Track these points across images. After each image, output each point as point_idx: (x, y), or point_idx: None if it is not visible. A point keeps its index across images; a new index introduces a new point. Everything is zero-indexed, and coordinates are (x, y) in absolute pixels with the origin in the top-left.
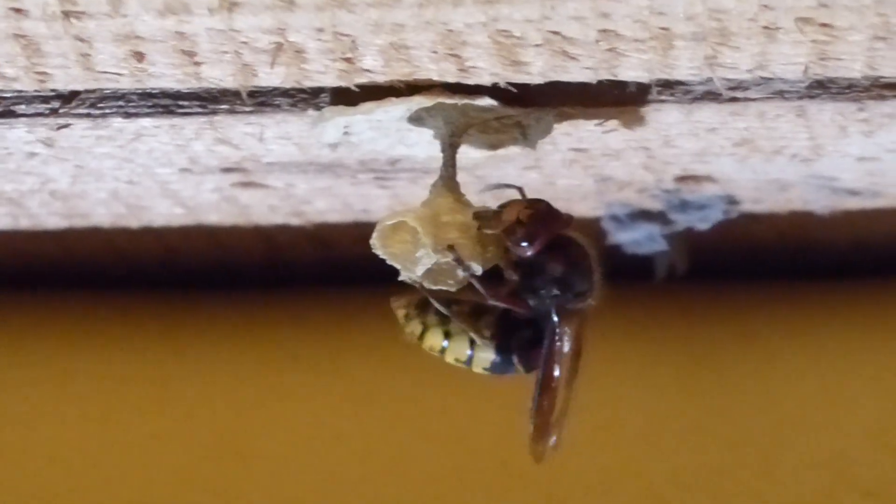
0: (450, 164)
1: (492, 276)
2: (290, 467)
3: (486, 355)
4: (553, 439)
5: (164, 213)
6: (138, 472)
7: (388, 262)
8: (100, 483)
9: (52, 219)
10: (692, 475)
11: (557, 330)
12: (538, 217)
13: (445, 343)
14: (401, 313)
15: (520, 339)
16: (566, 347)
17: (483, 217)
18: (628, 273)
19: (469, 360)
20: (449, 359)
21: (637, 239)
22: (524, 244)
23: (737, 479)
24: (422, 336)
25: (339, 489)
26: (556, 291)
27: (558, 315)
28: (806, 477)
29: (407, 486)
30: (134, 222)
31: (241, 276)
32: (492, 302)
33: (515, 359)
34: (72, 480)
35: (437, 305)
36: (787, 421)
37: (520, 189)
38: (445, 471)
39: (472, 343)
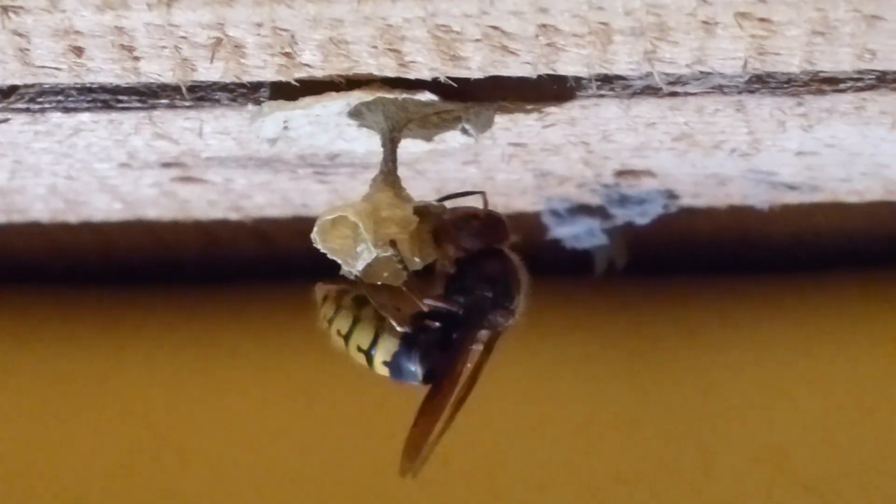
0: (390, 159)
1: (423, 275)
2: (228, 462)
3: (390, 345)
4: (422, 458)
5: (102, 208)
6: (75, 468)
7: (329, 256)
8: (35, 480)
9: None
10: (632, 470)
11: (468, 340)
12: (488, 223)
13: (351, 330)
14: (319, 295)
15: (428, 339)
16: (472, 359)
17: (427, 213)
18: (568, 268)
19: (372, 348)
20: (352, 346)
21: (577, 233)
22: (467, 245)
23: (677, 474)
24: (332, 320)
25: (277, 485)
26: (480, 300)
27: (474, 326)
28: (746, 470)
29: (345, 482)
30: (73, 217)
31: (181, 270)
32: (420, 299)
33: (417, 357)
34: (8, 476)
35: (367, 294)
36: (726, 415)
37: (482, 194)
38: (384, 466)
39: (378, 334)
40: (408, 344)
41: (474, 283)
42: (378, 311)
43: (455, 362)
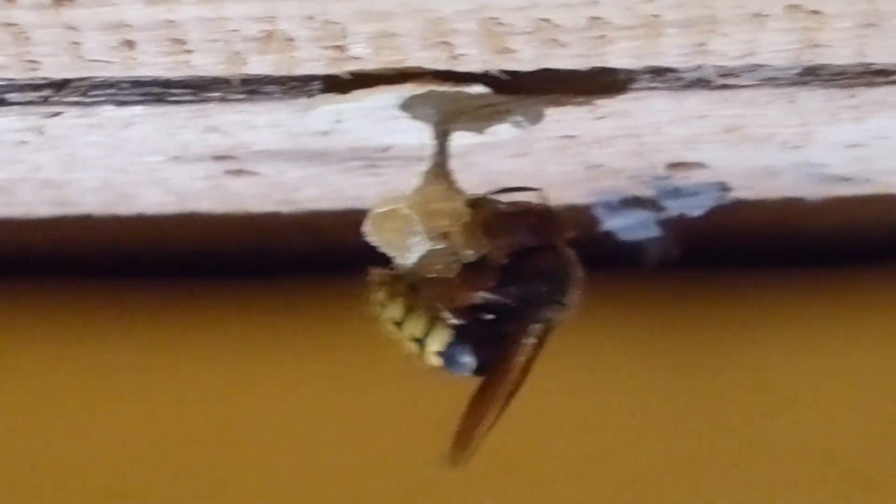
0: (441, 152)
1: (476, 267)
2: (280, 455)
3: (444, 336)
4: (471, 449)
5: (154, 201)
6: (128, 461)
7: (381, 249)
8: (90, 472)
9: (42, 207)
10: (681, 462)
11: (521, 333)
12: (545, 218)
13: (405, 318)
14: (374, 280)
15: (482, 330)
16: (524, 353)
17: (479, 205)
18: (619, 260)
19: (425, 337)
20: (405, 335)
21: (629, 226)
22: (522, 240)
23: (726, 466)
24: (385, 306)
25: (329, 476)
26: (533, 294)
27: (527, 319)
28: (794, 464)
29: (396, 474)
30: (124, 210)
31: (232, 263)
32: (474, 291)
33: (470, 349)
34: (62, 469)
35: (420, 285)
36: (777, 407)
37: (539, 190)
38: (432, 457)
39: (432, 323)
40: (461, 335)
41: (529, 276)
42: (432, 301)
43: (508, 355)
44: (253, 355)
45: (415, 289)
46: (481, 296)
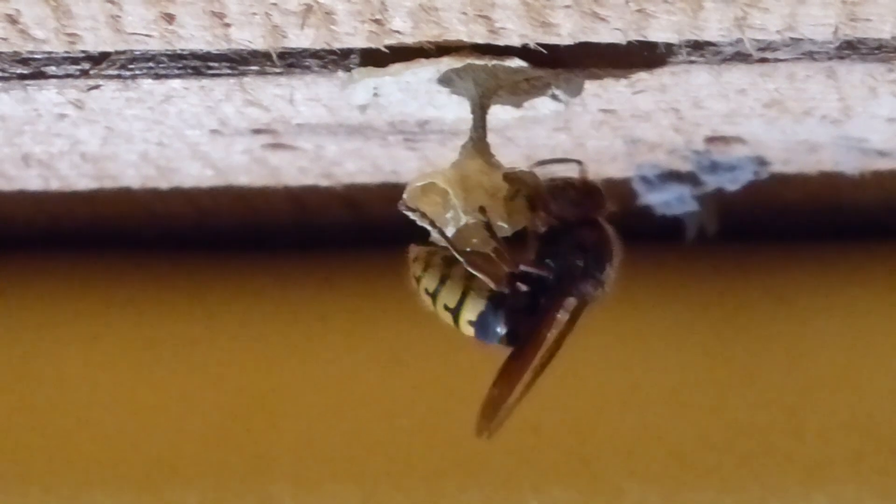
0: (479, 126)
1: (513, 241)
2: (319, 428)
3: (477, 304)
4: (498, 420)
5: (194, 174)
6: (169, 433)
7: (418, 223)
8: (131, 443)
9: (82, 180)
10: (721, 436)
11: (555, 306)
12: (586, 193)
13: (439, 287)
14: (412, 255)
15: (516, 301)
16: (556, 327)
17: (517, 179)
18: (658, 234)
19: (458, 306)
20: (439, 304)
21: (667, 200)
22: (563, 213)
23: (766, 440)
24: (420, 277)
25: (368, 449)
26: (571, 268)
27: (562, 293)
28: (835, 437)
29: (435, 447)
30: (164, 184)
31: (271, 237)
32: (512, 265)
33: (503, 319)
34: (103, 441)
35: (454, 252)
36: (816, 381)
37: (579, 163)
38: (473, 431)
39: (467, 292)
40: (495, 304)
41: (567, 250)
42: (467, 272)
43: (540, 327)
44: (292, 328)
45: (450, 260)
46: (517, 267)
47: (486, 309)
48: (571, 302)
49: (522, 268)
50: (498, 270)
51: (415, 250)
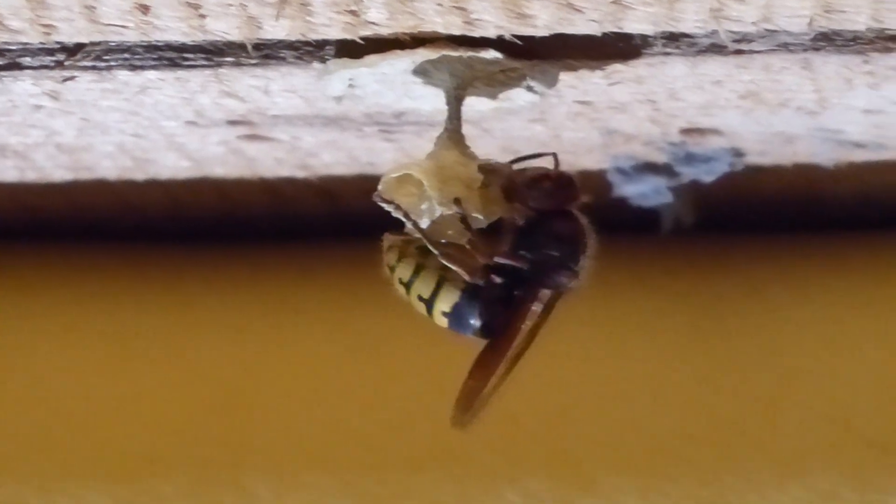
0: (455, 117)
1: (488, 232)
2: (296, 419)
3: (451, 296)
4: (474, 410)
5: (170, 165)
6: (145, 425)
7: (394, 214)
8: (107, 435)
9: (58, 171)
10: (697, 427)
11: (530, 297)
12: (560, 184)
13: (413, 278)
14: (386, 243)
15: (490, 293)
16: (531, 318)
17: (492, 171)
18: (634, 226)
19: (433, 297)
20: (414, 295)
21: (643, 191)
22: (537, 205)
23: (742, 431)
24: (394, 267)
25: (345, 440)
26: (545, 259)
27: (537, 284)
28: (811, 428)
29: (412, 438)
30: (140, 175)
31: (247, 228)
32: (487, 256)
33: (477, 310)
34: (79, 433)
35: (428, 244)
36: (792, 372)
37: (553, 155)
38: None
39: (441, 283)
40: (469, 296)
41: (541, 241)
42: (441, 262)
43: (515, 318)
44: (268, 319)
45: (424, 251)
46: (492, 259)
47: (461, 300)
48: (546, 293)
49: (497, 259)
50: (473, 262)
51: (389, 239)
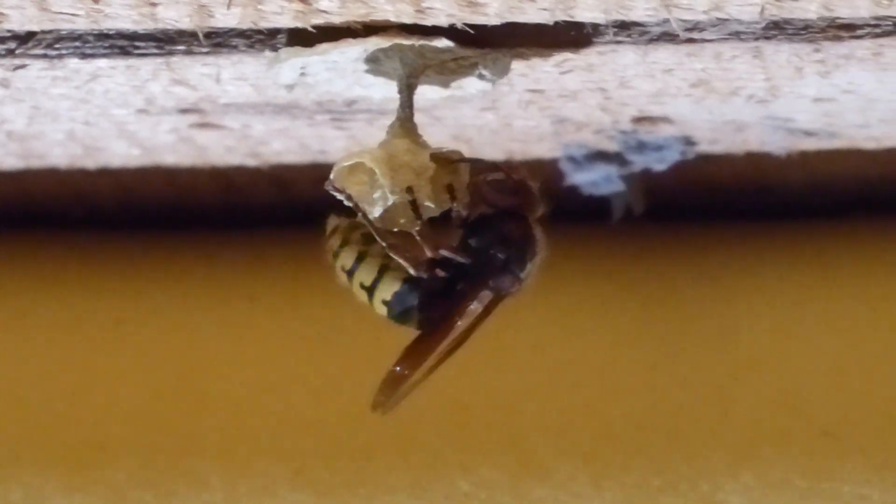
0: (407, 106)
1: (438, 224)
2: (247, 407)
3: (392, 285)
4: (396, 398)
5: (120, 153)
6: (96, 413)
7: (345, 202)
8: (58, 422)
9: (8, 159)
10: (649, 415)
11: (470, 295)
12: (524, 187)
13: (356, 265)
14: (330, 226)
15: (432, 285)
16: (468, 316)
17: (444, 159)
18: (585, 214)
19: (374, 286)
20: (356, 282)
21: (594, 180)
22: (495, 202)
23: (694, 419)
24: (337, 253)
25: (296, 428)
26: (492, 260)
27: (479, 283)
28: (763, 416)
29: (363, 427)
30: (91, 163)
31: (198, 216)
32: (434, 249)
33: (417, 301)
34: (30, 420)
35: (375, 235)
36: (743, 360)
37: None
38: (404, 411)
39: (383, 271)
40: (410, 286)
41: (491, 241)
42: (385, 250)
43: (453, 313)
44: (219, 307)
45: (369, 238)
46: (439, 252)
47: (402, 290)
48: (487, 294)
49: (443, 252)
50: (418, 254)
51: (333, 221)
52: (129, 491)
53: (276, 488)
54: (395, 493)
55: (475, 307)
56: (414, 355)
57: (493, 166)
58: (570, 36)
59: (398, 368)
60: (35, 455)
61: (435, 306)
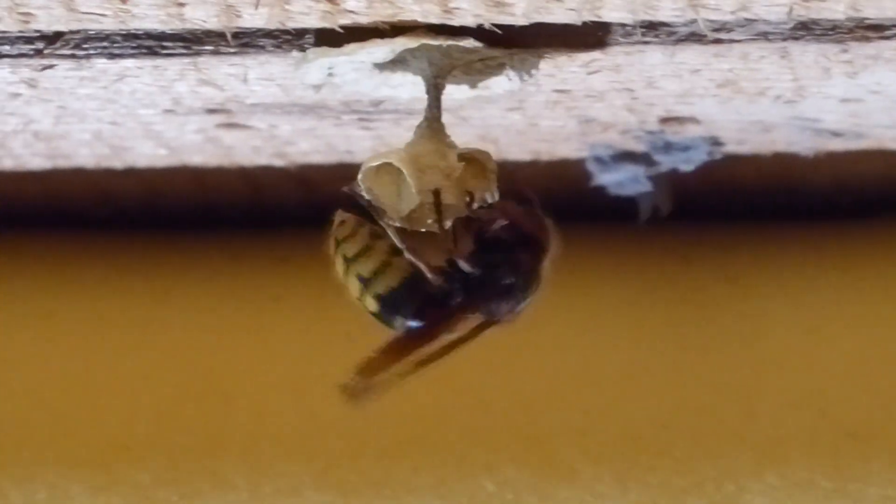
0: (434, 106)
1: (459, 232)
2: (273, 408)
3: (390, 281)
4: (371, 389)
5: (147, 154)
6: (121, 413)
7: (373, 202)
8: (84, 422)
9: (35, 159)
10: (675, 416)
11: (465, 310)
12: (538, 217)
13: (358, 257)
14: (339, 218)
15: (430, 291)
16: (456, 332)
17: (472, 160)
18: (612, 214)
19: (371, 279)
20: (352, 272)
21: (621, 180)
22: (516, 217)
23: (719, 420)
24: (341, 242)
25: (321, 429)
26: (496, 280)
27: (477, 302)
28: (787, 417)
29: (388, 427)
30: (117, 163)
31: (225, 216)
32: (450, 254)
33: (411, 303)
34: (57, 420)
35: (396, 238)
36: (769, 361)
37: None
38: (426, 410)
39: (384, 267)
40: (408, 286)
41: (502, 263)
42: (390, 248)
43: (441, 324)
44: (245, 307)
45: (375, 235)
46: (454, 257)
47: (399, 288)
48: (479, 315)
49: (458, 260)
50: (434, 259)
51: (342, 215)
52: (153, 491)
53: (302, 488)
54: (420, 494)
55: (462, 326)
56: (393, 352)
57: (526, 198)
58: (597, 36)
59: (375, 358)
60: (60, 455)
61: (426, 313)
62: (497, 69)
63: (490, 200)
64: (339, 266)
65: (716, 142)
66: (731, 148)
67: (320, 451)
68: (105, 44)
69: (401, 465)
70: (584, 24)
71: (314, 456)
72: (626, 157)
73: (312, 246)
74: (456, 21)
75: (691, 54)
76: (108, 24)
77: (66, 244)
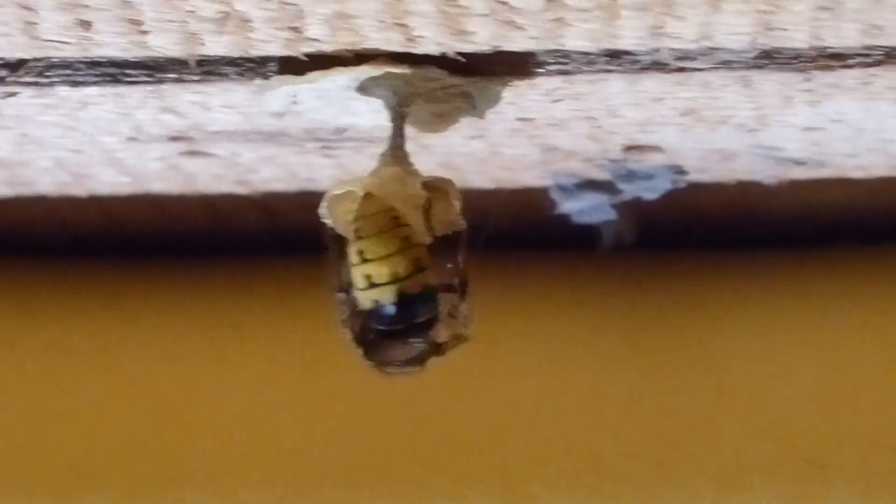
0: (398, 134)
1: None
2: (233, 435)
3: (399, 266)
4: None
5: (108, 181)
6: (80, 441)
7: (336, 231)
8: (42, 450)
9: None
10: (636, 444)
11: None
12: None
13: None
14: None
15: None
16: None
17: (436, 188)
18: (575, 243)
19: (377, 258)
20: (363, 268)
21: (584, 208)
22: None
23: (680, 448)
24: (365, 235)
25: (281, 457)
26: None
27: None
28: (749, 444)
29: (347, 455)
30: (78, 191)
31: (186, 244)
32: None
33: (406, 311)
34: (13, 448)
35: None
36: (730, 390)
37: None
38: (390, 440)
39: (395, 255)
40: (401, 303)
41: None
42: (405, 241)
43: (395, 344)
44: (205, 335)
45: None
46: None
47: (394, 301)
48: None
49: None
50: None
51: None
52: None
53: None
54: None
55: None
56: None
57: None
58: (559, 64)
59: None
60: (17, 483)
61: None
62: (460, 97)
63: (455, 228)
64: (355, 256)
65: (679, 170)
66: (695, 176)
67: (281, 480)
68: (68, 71)
69: (361, 493)
70: (547, 52)
71: (274, 484)
72: (590, 185)
73: (274, 273)
74: (419, 49)
75: (653, 83)
76: (71, 52)
77: (26, 272)
